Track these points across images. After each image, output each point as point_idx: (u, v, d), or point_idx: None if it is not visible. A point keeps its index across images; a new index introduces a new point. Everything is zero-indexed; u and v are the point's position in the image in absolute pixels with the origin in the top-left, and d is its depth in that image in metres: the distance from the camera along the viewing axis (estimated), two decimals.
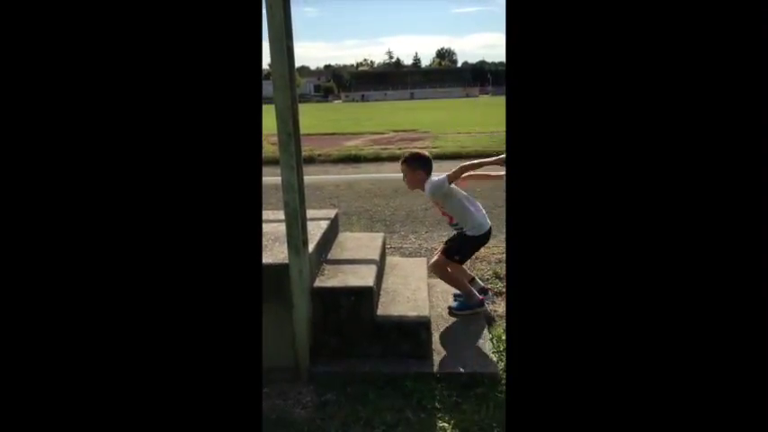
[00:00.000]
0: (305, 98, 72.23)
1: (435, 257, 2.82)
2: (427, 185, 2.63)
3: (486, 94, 67.12)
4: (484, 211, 2.77)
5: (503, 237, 3.50)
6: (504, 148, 1.23)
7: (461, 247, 2.75)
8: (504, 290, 3.16)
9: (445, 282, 2.83)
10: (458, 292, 2.85)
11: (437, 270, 2.78)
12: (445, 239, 2.87)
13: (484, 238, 2.73)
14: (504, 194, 1.04)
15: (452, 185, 2.61)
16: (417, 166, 2.67)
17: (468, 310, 2.74)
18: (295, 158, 2.12)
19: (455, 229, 2.78)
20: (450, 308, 2.78)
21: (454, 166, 2.58)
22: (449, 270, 2.78)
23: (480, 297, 2.77)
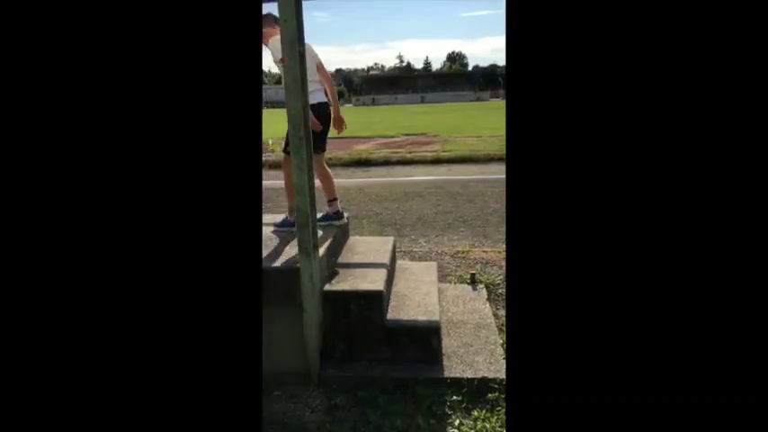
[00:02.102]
0: None
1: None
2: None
3: (498, 98, 66.93)
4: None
5: None
6: None
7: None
8: None
9: (285, 183, 2.78)
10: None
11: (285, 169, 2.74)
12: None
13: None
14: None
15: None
16: (270, 21, 2.70)
17: (285, 228, 2.78)
18: (306, 162, 2.14)
19: None
20: (274, 224, 2.83)
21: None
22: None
23: (292, 219, 2.76)
